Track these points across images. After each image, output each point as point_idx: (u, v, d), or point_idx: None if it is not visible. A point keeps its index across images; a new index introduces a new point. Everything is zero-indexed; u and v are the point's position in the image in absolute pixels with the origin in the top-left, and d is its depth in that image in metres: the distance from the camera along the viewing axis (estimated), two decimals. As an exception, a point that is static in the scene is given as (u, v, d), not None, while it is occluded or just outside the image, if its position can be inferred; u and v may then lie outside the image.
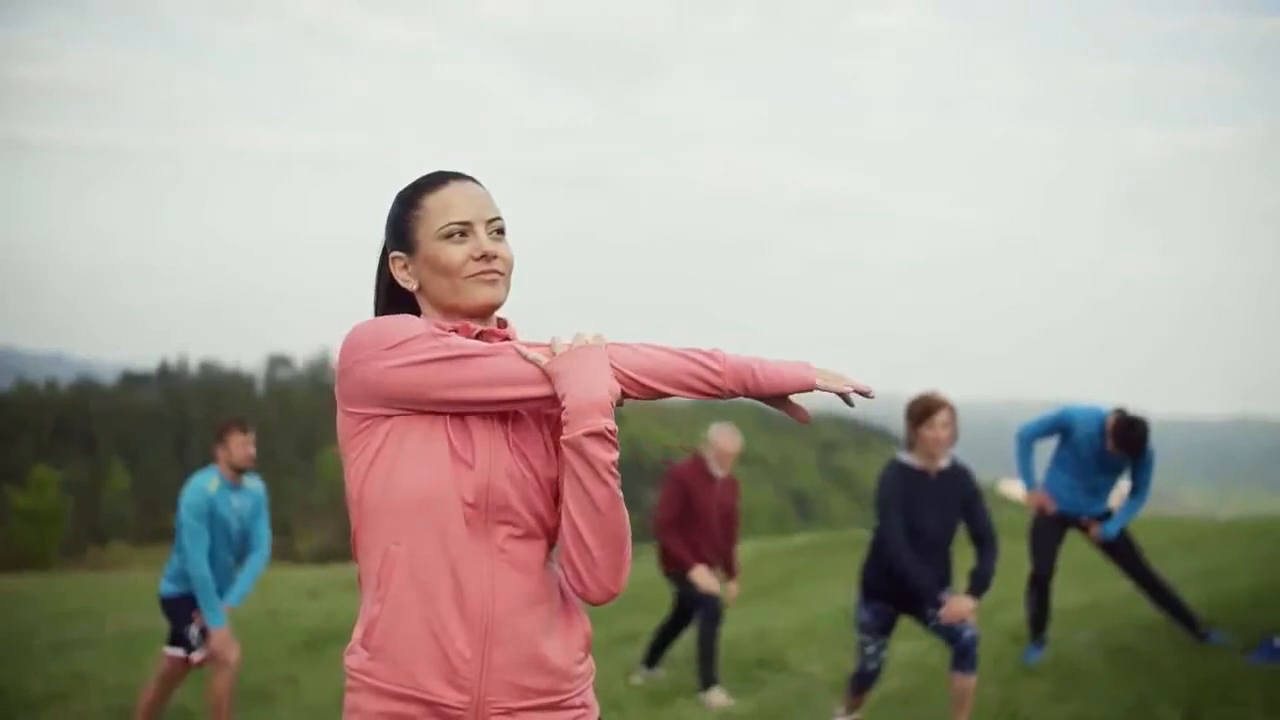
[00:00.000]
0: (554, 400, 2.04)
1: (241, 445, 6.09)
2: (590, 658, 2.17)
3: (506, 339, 2.15)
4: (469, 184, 2.16)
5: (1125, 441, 6.57)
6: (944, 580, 5.30)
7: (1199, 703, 5.64)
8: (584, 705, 2.14)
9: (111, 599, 15.38)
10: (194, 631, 6.04)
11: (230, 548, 6.13)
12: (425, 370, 2.01)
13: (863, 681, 5.61)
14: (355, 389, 2.05)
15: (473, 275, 2.11)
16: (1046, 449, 7.02)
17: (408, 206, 2.16)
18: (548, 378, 2.03)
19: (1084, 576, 9.30)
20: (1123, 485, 7.09)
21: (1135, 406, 6.77)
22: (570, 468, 2.01)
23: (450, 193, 2.14)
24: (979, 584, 5.24)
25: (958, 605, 5.13)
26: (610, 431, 2.00)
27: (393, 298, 2.21)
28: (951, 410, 5.25)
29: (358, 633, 2.09)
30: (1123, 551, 6.93)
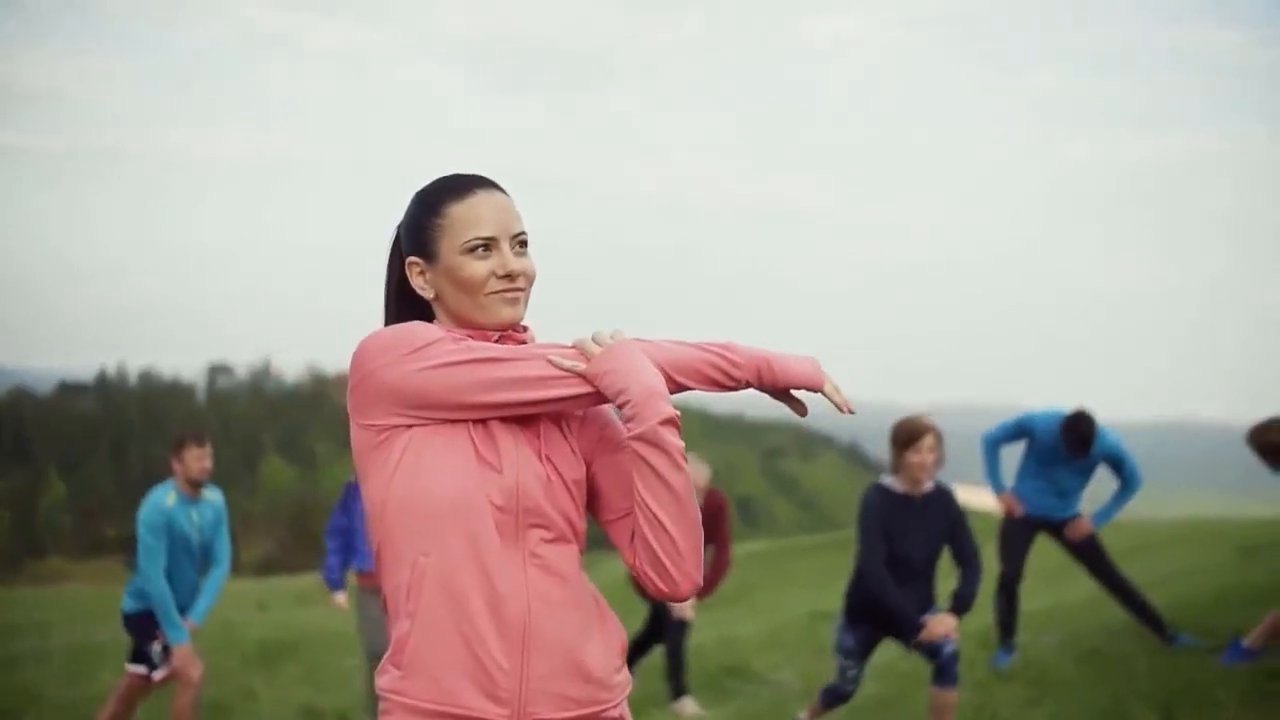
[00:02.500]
0: (588, 400, 2.00)
1: (197, 458, 5.96)
2: (627, 668, 2.12)
3: (522, 344, 2.09)
4: (496, 194, 2.09)
5: (1070, 439, 6.64)
6: (926, 605, 5.24)
7: (1174, 705, 5.66)
8: (621, 718, 2.08)
9: (56, 612, 15.06)
10: (156, 649, 5.90)
11: (193, 562, 6.00)
12: (454, 373, 1.95)
13: (836, 698, 5.55)
14: (374, 397, 1.98)
15: (495, 293, 2.05)
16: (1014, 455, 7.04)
17: (430, 213, 2.08)
18: (581, 378, 1.98)
19: (1049, 579, 9.35)
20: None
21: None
22: (644, 461, 1.96)
23: (477, 203, 2.07)
24: (961, 604, 5.18)
25: (939, 624, 5.08)
26: (678, 417, 1.97)
27: (404, 302, 2.15)
28: (937, 434, 5.16)
29: (389, 652, 2.01)
30: (1091, 554, 6.97)
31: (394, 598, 2.00)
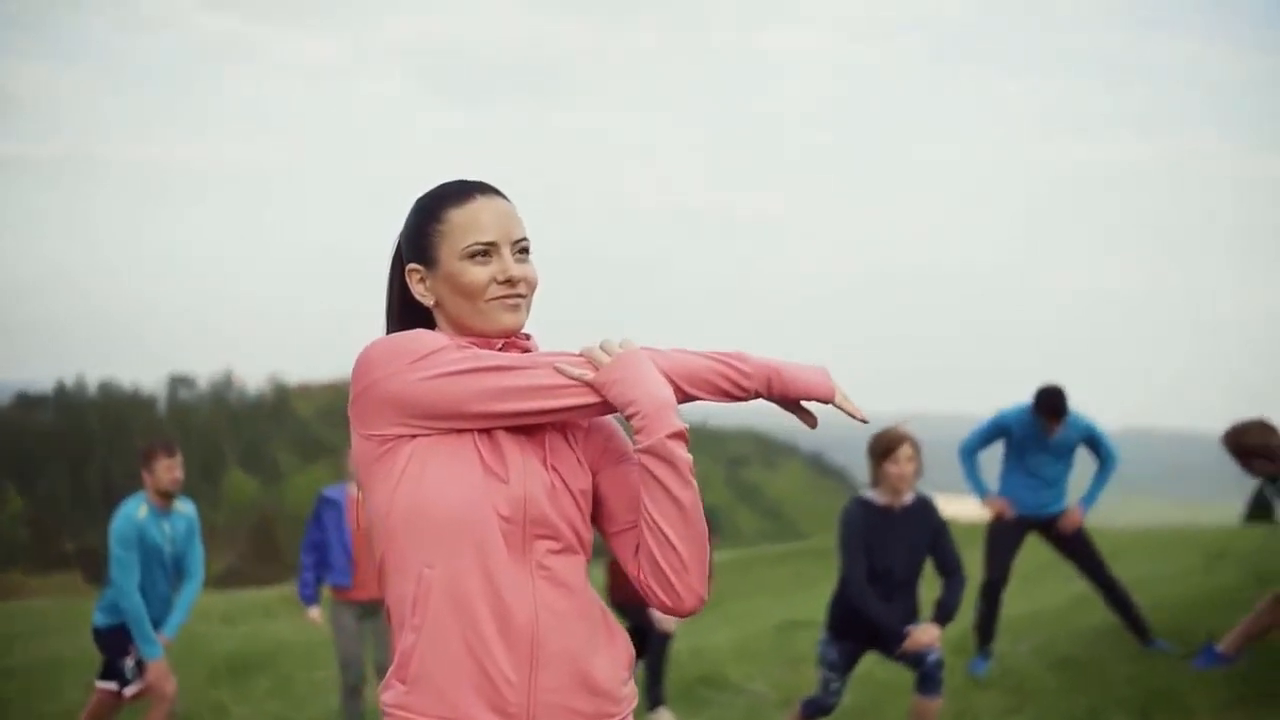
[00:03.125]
0: (595, 409, 1.97)
1: (168, 469, 5.86)
2: (633, 681, 2.09)
3: (527, 352, 2.07)
4: (496, 199, 2.07)
5: (1049, 408, 6.72)
6: (910, 616, 5.22)
7: (1151, 711, 5.69)
8: None
9: (16, 628, 14.82)
10: (129, 664, 5.81)
11: (165, 575, 5.91)
12: (459, 381, 1.92)
13: (817, 710, 5.52)
14: (378, 407, 1.95)
15: (495, 299, 2.02)
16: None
17: (429, 218, 2.06)
18: (590, 387, 1.95)
19: (1023, 585, 9.36)
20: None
21: None
22: (651, 475, 1.93)
23: (477, 209, 2.04)
24: (944, 613, 5.17)
25: (922, 634, 5.07)
26: (687, 431, 1.94)
27: (406, 310, 2.12)
28: (914, 444, 5.16)
29: (393, 666, 1.98)
30: (1082, 550, 6.98)
31: (398, 610, 1.97)
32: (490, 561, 1.92)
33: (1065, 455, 6.93)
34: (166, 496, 5.87)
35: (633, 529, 2.02)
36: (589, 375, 1.95)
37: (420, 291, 2.07)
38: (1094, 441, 6.93)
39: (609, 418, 2.09)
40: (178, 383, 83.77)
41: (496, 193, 2.08)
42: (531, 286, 2.06)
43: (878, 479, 5.20)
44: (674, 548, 1.95)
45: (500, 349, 2.04)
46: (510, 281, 2.02)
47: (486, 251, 2.02)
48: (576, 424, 2.06)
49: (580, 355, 1.99)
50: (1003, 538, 6.98)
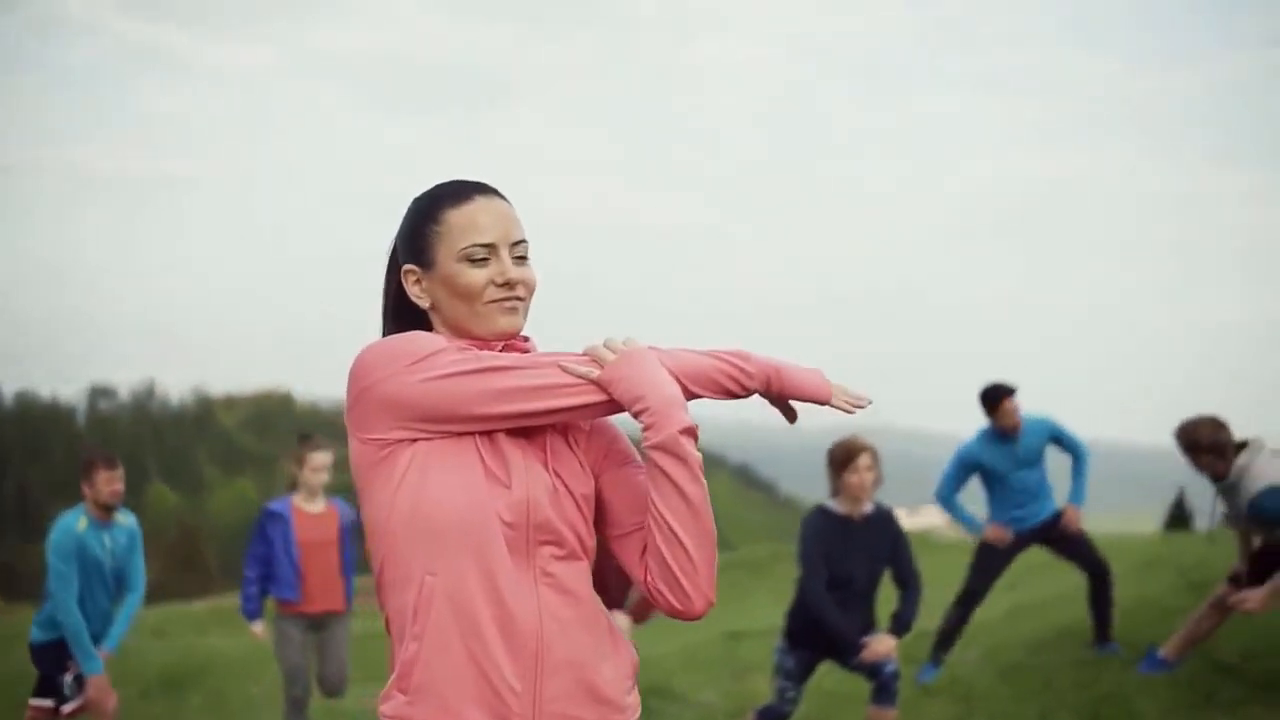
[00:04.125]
0: (601, 408, 1.94)
1: (108, 482, 5.73)
2: (637, 690, 2.05)
3: (526, 354, 2.03)
4: (495, 200, 2.03)
5: (997, 397, 6.73)
6: (868, 626, 5.23)
7: (1098, 716, 5.76)
8: None
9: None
10: (68, 680, 5.65)
11: (105, 588, 5.77)
12: (460, 383, 1.87)
13: (773, 718, 5.52)
14: (377, 410, 1.89)
15: (493, 301, 1.98)
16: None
17: (426, 219, 2.01)
18: (595, 386, 1.91)
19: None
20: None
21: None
22: (661, 471, 1.89)
23: (476, 210, 2.00)
24: (901, 625, 5.18)
25: (879, 644, 5.08)
26: (697, 428, 1.91)
27: (401, 312, 2.08)
28: (874, 453, 5.16)
29: (393, 676, 1.92)
30: (1082, 551, 6.97)
31: (399, 619, 1.92)
32: (493, 567, 1.87)
33: (1038, 461, 6.95)
34: (106, 509, 5.74)
35: (637, 531, 1.99)
36: (595, 373, 1.92)
37: (416, 293, 2.03)
38: (1059, 438, 6.96)
39: (611, 421, 2.06)
40: (98, 394, 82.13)
41: (495, 193, 2.04)
42: (530, 289, 2.02)
43: (837, 489, 5.20)
44: (683, 546, 1.91)
45: (499, 351, 2.00)
46: (508, 284, 1.98)
47: (485, 253, 1.98)
48: (578, 427, 2.03)
49: (584, 354, 1.96)
50: (997, 554, 6.95)
